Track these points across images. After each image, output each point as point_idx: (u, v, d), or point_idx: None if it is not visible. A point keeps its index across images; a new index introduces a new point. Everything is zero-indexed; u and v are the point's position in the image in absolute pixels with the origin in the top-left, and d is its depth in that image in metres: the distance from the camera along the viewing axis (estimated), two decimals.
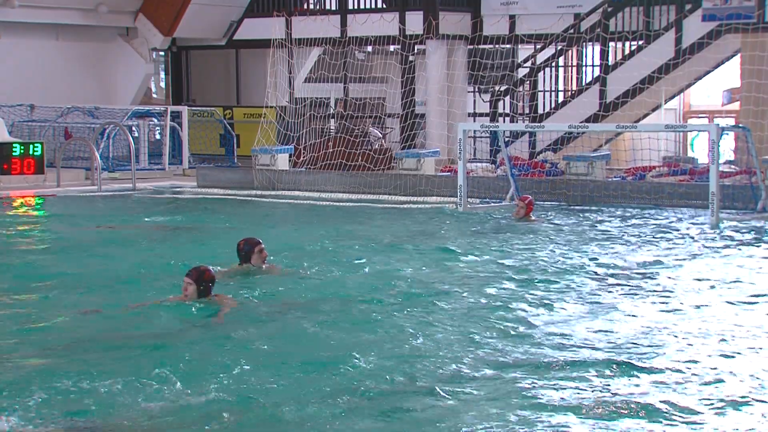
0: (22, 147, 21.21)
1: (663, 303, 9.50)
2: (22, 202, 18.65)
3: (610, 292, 10.00)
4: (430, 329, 8.42)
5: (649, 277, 10.67)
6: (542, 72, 23.88)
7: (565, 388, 6.75)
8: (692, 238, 13.70)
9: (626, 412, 6.27)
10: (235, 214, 17.14)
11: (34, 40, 26.19)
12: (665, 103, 23.64)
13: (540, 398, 6.55)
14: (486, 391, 6.74)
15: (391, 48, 25.99)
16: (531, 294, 9.83)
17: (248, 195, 19.88)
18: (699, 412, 6.28)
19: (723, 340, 8.09)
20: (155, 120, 24.45)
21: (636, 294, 9.89)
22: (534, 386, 6.80)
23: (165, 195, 20.23)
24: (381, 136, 24.42)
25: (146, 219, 16.01)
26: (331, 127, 25.31)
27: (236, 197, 19.53)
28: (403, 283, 10.34)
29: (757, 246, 12.96)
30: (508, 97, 23.62)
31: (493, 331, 8.41)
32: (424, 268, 11.27)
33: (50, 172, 21.13)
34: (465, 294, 9.82)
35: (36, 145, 21.42)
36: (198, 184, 21.51)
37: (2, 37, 25.28)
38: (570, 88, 24.55)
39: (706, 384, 6.86)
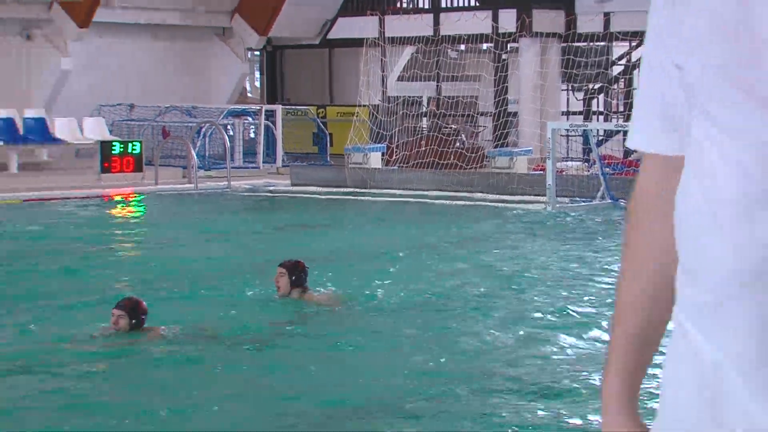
0: (122, 145, 21.66)
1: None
2: (121, 200, 19.10)
3: None
4: (479, 336, 8.25)
5: None
6: (637, 69, 23.57)
7: None
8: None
9: None
10: (327, 212, 17.30)
11: (133, 41, 26.73)
12: None
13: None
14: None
15: (484, 46, 25.93)
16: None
17: (341, 193, 20.03)
18: None
19: None
20: (250, 119, 24.80)
21: None
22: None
23: (259, 193, 20.52)
24: (472, 134, 24.40)
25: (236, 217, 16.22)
26: (424, 126, 25.36)
27: (329, 195, 19.69)
28: (473, 285, 10.27)
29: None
30: (602, 95, 23.38)
31: (558, 338, 8.37)
32: (501, 268, 11.22)
33: (148, 170, 21.55)
34: (537, 296, 9.74)
35: (135, 143, 21.86)
36: (292, 182, 21.73)
37: (103, 38, 25.87)
38: None
39: None
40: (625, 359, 1.65)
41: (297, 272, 9.06)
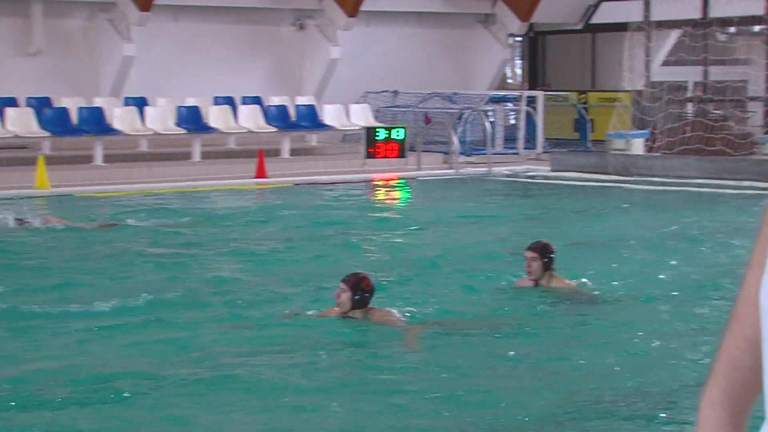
0: (386, 131, 22.25)
1: None
2: (385, 185, 19.69)
3: None
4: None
5: None
6: None
7: None
8: None
9: None
10: (587, 199, 17.17)
11: (398, 28, 27.37)
12: None
13: None
14: None
15: (756, 28, 24.87)
16: None
17: (601, 180, 19.79)
18: None
19: None
20: (510, 105, 24.90)
21: None
22: None
23: (519, 179, 20.61)
24: (741, 119, 23.49)
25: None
26: (689, 112, 24.63)
27: (589, 182, 19.50)
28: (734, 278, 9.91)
29: None
30: None
31: None
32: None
33: (411, 155, 22.02)
34: None
35: (399, 129, 22.38)
36: (552, 168, 21.67)
37: (370, 27, 26.64)
38: None
39: None
40: (733, 365, 1.35)
41: (548, 254, 8.94)
